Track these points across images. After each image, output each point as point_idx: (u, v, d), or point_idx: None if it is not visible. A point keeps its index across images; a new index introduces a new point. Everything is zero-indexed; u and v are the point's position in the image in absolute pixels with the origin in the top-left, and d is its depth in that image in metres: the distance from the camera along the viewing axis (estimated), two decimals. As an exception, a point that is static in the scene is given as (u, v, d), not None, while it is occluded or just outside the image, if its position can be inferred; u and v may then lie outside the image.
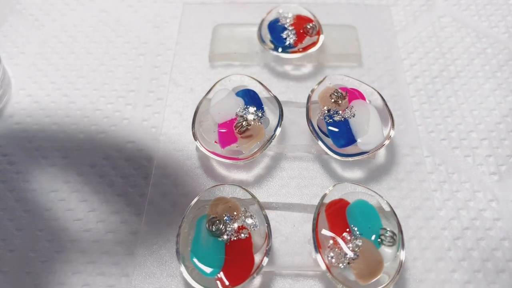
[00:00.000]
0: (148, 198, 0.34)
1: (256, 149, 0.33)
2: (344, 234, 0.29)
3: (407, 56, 0.42)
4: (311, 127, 0.34)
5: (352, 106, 0.34)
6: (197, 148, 0.36)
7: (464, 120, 0.38)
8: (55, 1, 0.47)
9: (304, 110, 0.35)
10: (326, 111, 0.34)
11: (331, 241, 0.29)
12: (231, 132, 0.33)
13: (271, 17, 0.41)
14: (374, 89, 0.36)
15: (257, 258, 0.29)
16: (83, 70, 0.42)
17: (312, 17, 0.41)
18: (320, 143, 0.33)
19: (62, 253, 0.32)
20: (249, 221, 0.29)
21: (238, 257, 0.28)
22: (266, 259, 0.28)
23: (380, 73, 0.41)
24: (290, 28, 0.40)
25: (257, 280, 0.31)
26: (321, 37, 0.40)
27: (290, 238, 0.32)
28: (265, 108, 0.35)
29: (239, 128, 0.33)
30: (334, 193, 0.31)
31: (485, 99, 0.39)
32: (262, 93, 0.36)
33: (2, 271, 0.31)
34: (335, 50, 0.42)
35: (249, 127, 0.33)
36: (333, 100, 0.34)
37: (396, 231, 0.29)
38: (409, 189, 0.34)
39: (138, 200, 0.34)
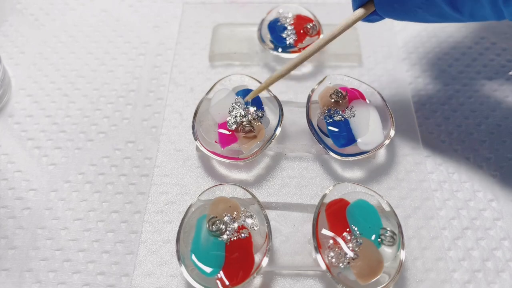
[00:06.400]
0: (149, 197, 0.34)
1: (256, 149, 0.33)
2: (344, 234, 0.29)
3: (407, 56, 0.42)
4: (311, 127, 0.34)
5: (352, 106, 0.34)
6: (197, 148, 0.36)
7: (465, 121, 0.38)
8: (55, 0, 0.47)
9: (304, 110, 0.35)
10: (326, 111, 0.34)
11: (331, 241, 0.29)
12: (231, 132, 0.33)
13: (271, 17, 0.41)
14: (374, 89, 0.36)
15: (257, 258, 0.29)
16: (83, 70, 0.42)
17: (312, 17, 0.41)
18: (320, 143, 0.33)
19: (63, 251, 0.32)
20: (249, 221, 0.29)
21: (238, 257, 0.28)
22: (266, 259, 0.28)
23: (380, 73, 0.41)
24: (290, 28, 0.40)
25: (257, 280, 0.31)
26: (321, 37, 0.40)
27: (290, 238, 0.32)
28: (265, 108, 0.35)
29: (243, 128, 0.33)
30: (334, 193, 0.31)
31: (486, 100, 0.39)
32: (262, 93, 0.36)
33: (3, 269, 0.31)
34: (335, 50, 0.42)
35: (252, 128, 0.33)
36: (333, 100, 0.34)
37: (396, 231, 0.29)
38: (409, 189, 0.34)
39: (138, 199, 0.34)
